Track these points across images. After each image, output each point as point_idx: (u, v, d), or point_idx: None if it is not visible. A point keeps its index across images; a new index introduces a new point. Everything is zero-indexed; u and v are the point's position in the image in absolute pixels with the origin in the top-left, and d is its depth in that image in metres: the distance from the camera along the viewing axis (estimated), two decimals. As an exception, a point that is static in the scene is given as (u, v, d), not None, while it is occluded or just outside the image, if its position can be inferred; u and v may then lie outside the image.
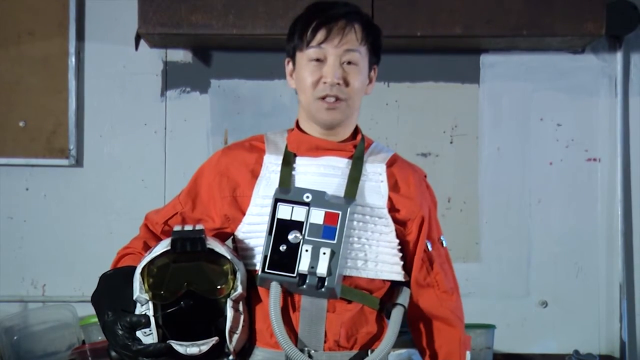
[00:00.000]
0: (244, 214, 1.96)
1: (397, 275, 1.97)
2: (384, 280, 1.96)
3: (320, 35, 1.93)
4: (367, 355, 1.93)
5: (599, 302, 3.42)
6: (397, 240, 1.97)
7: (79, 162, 3.43)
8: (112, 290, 1.90)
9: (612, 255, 3.42)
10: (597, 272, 3.43)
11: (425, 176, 2.12)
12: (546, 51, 3.43)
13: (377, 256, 1.94)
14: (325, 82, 1.93)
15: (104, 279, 1.94)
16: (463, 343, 2.04)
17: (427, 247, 2.01)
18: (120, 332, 1.82)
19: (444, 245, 2.07)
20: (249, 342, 1.94)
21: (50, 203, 3.43)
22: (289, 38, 2.00)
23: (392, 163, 2.02)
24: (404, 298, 1.96)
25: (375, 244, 1.94)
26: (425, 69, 3.44)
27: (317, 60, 1.93)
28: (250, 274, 1.91)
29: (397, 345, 2.93)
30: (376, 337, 1.96)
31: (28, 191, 3.44)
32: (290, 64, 2.01)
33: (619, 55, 3.42)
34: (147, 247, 1.98)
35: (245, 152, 2.01)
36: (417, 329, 2.07)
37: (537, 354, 3.38)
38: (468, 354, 2.04)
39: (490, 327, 3.20)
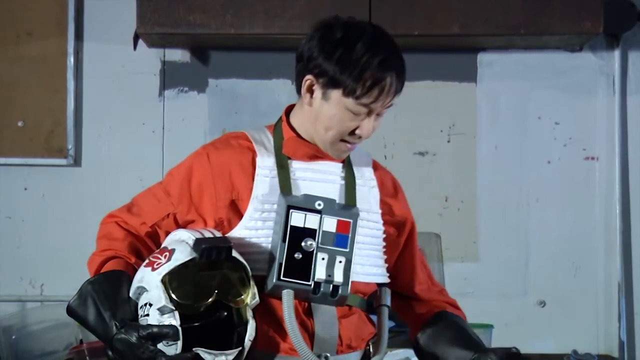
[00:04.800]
0: (240, 218, 1.92)
1: (385, 277, 1.98)
2: (375, 283, 1.98)
3: (374, 95, 1.85)
4: (369, 353, 1.93)
5: (597, 302, 3.42)
6: (384, 243, 1.98)
7: (77, 162, 3.44)
8: (108, 299, 1.81)
9: (610, 254, 3.41)
10: (596, 271, 3.42)
11: None
12: (544, 50, 3.42)
13: (371, 260, 1.95)
14: (360, 136, 1.89)
15: (92, 285, 1.84)
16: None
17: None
18: (140, 345, 1.73)
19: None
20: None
21: (48, 203, 3.44)
22: (333, 65, 1.84)
23: (376, 167, 2.04)
24: (388, 298, 1.96)
25: (370, 247, 1.95)
26: (422, 68, 3.43)
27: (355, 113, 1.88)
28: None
29: (395, 345, 2.94)
30: (371, 336, 1.97)
31: (26, 191, 3.44)
32: (319, 89, 1.89)
33: (616, 54, 3.41)
34: (135, 250, 1.93)
35: (238, 154, 1.95)
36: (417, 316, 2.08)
37: (535, 354, 3.37)
38: None
39: (488, 327, 3.19)
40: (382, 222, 1.97)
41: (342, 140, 1.91)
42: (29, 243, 3.43)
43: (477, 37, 3.27)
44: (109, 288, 1.83)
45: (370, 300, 1.97)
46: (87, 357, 3.09)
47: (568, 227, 3.43)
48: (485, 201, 3.44)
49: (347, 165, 1.98)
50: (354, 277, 1.90)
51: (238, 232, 1.91)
